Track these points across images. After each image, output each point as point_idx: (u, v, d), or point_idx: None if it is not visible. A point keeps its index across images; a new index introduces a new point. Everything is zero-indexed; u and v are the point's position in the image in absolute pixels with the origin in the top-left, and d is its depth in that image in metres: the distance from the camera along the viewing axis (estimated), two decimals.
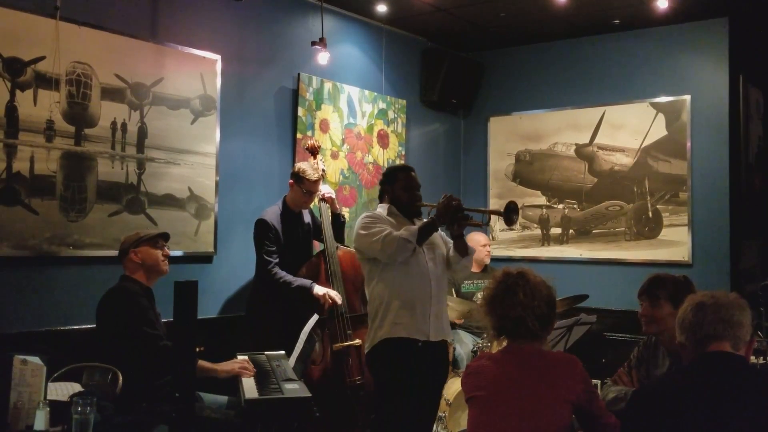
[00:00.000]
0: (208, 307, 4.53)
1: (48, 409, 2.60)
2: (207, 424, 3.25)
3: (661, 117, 5.80)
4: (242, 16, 4.83)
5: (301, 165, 4.52)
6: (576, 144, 6.17)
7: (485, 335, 4.69)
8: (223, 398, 3.64)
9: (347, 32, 5.60)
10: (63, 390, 3.00)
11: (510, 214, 3.59)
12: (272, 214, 4.48)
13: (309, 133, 5.17)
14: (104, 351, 3.34)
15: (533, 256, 6.29)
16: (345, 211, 5.10)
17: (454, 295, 5.31)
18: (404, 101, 6.07)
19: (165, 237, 3.63)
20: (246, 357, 3.64)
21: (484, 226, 3.79)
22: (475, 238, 5.60)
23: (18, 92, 3.68)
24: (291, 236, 4.52)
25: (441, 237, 3.87)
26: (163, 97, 4.32)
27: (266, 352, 3.80)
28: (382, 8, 5.47)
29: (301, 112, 5.13)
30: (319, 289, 4.36)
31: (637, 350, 3.16)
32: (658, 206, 5.80)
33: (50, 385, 2.94)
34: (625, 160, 5.94)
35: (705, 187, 5.60)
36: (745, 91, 5.74)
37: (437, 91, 6.23)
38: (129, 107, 4.15)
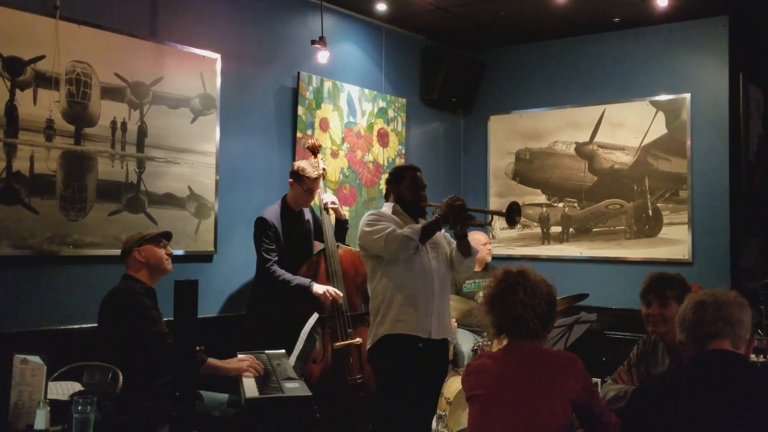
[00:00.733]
0: (209, 306, 4.54)
1: (48, 408, 2.60)
2: (208, 422, 3.25)
3: (661, 115, 5.79)
4: (242, 15, 4.82)
5: (300, 163, 4.53)
6: (576, 142, 6.17)
7: (486, 334, 4.69)
8: (223, 396, 3.64)
9: (347, 31, 5.60)
10: (63, 389, 3.00)
11: (512, 214, 3.63)
12: (272, 212, 4.48)
13: (309, 132, 5.17)
14: (106, 350, 3.34)
15: (533, 255, 6.29)
16: (345, 210, 5.10)
17: (454, 294, 5.31)
18: (404, 100, 6.07)
19: (168, 236, 3.63)
20: (251, 356, 3.64)
21: (486, 226, 3.82)
22: (476, 237, 5.59)
23: (18, 91, 3.68)
24: (291, 235, 4.52)
25: (445, 237, 3.90)
26: (163, 96, 4.32)
27: (267, 351, 3.80)
28: (381, 7, 5.47)
29: (301, 110, 5.13)
30: (318, 288, 4.36)
31: (636, 348, 3.16)
32: (658, 204, 5.80)
33: (50, 384, 2.94)
34: (625, 159, 5.94)
35: (705, 186, 5.60)
36: (745, 90, 5.73)
37: (437, 89, 6.23)
38: (129, 106, 4.15)
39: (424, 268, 3.70)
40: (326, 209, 4.65)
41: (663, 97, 5.78)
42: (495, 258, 5.86)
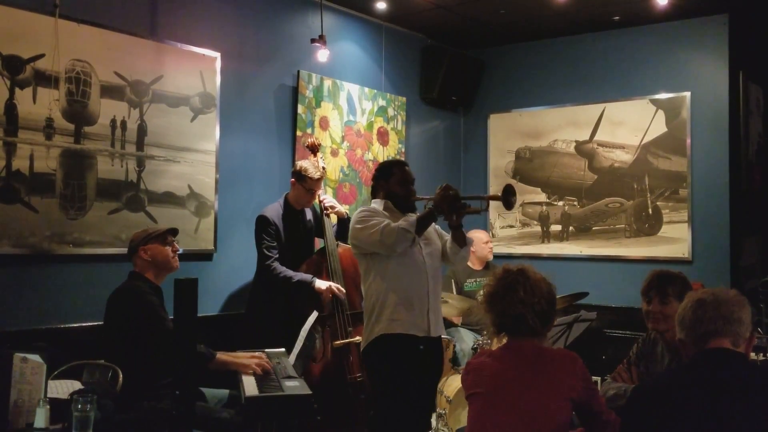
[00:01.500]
0: (209, 305, 4.54)
1: (48, 407, 2.60)
2: (208, 421, 3.25)
3: (661, 114, 5.79)
4: (242, 14, 4.82)
5: (302, 163, 4.52)
6: (576, 141, 6.17)
7: (485, 332, 4.69)
8: (223, 393, 3.64)
9: (347, 29, 5.59)
10: (63, 388, 3.00)
11: (508, 196, 3.53)
12: (273, 210, 4.48)
13: (309, 131, 5.17)
14: (110, 348, 3.34)
15: (533, 253, 6.29)
16: (345, 209, 5.09)
17: (455, 293, 5.31)
18: (404, 98, 6.07)
19: (173, 232, 3.62)
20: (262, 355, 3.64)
21: (483, 213, 3.75)
22: (477, 236, 5.60)
23: (17, 90, 3.68)
24: (292, 233, 4.52)
25: (436, 231, 3.85)
26: (163, 95, 4.32)
27: (266, 350, 3.80)
28: (381, 5, 5.47)
29: (300, 109, 5.13)
30: (321, 284, 4.36)
31: (636, 347, 3.16)
32: (658, 203, 5.80)
33: (50, 382, 2.94)
34: (625, 157, 5.94)
35: (705, 184, 5.60)
36: (745, 88, 5.73)
37: (437, 88, 6.23)
38: (128, 105, 4.15)
39: (417, 265, 3.67)
40: (326, 214, 4.64)
41: (663, 96, 5.78)
42: (495, 256, 5.86)
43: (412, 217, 3.65)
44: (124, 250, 3.69)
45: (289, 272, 4.37)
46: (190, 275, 2.83)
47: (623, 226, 5.96)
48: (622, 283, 5.67)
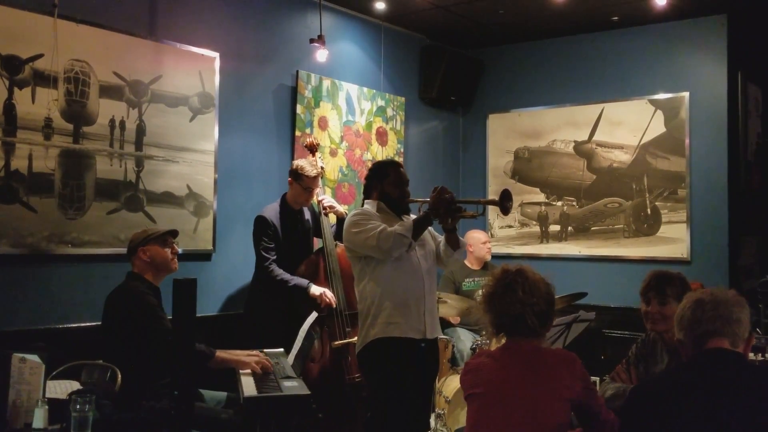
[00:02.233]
0: (207, 305, 4.53)
1: (47, 407, 2.59)
2: (206, 422, 3.25)
3: (659, 114, 5.80)
4: (241, 14, 4.82)
5: (298, 162, 4.52)
6: (575, 141, 6.18)
7: (484, 332, 4.69)
8: (222, 395, 3.64)
9: (346, 29, 5.59)
10: (62, 388, 3.00)
11: (504, 202, 3.52)
12: (271, 211, 4.48)
13: (308, 131, 5.17)
14: (109, 348, 3.34)
15: (532, 254, 6.29)
16: (344, 208, 5.09)
17: (453, 293, 5.31)
18: (403, 98, 6.07)
19: (173, 234, 3.61)
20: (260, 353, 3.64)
21: (479, 217, 3.74)
22: (475, 236, 5.61)
23: (16, 90, 3.68)
24: (291, 234, 4.52)
25: (429, 232, 3.81)
26: (162, 95, 4.32)
27: (265, 350, 3.80)
28: (380, 5, 5.47)
29: (299, 109, 5.13)
30: (315, 289, 4.36)
31: (635, 347, 3.16)
32: (656, 203, 5.80)
33: (49, 383, 2.93)
34: (623, 157, 5.94)
35: (704, 184, 5.60)
36: (743, 88, 5.73)
37: (436, 88, 6.23)
38: (127, 105, 4.15)
39: (413, 268, 3.63)
40: (325, 213, 4.64)
41: (662, 96, 5.78)
42: (494, 256, 5.86)
43: (408, 221, 3.63)
44: (122, 250, 3.68)
45: (286, 275, 4.37)
46: (188, 275, 2.82)
47: (622, 226, 5.96)
48: (621, 284, 5.67)
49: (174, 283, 2.67)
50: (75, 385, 3.06)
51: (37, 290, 3.78)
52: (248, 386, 3.15)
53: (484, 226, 6.36)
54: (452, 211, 3.55)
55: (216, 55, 4.61)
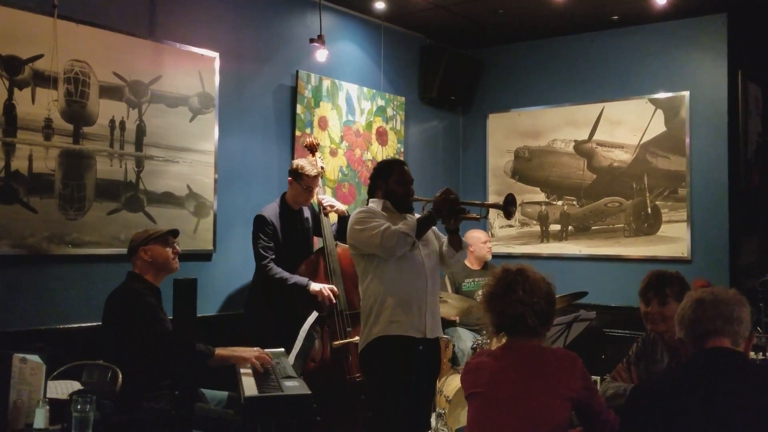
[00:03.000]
0: (208, 305, 4.54)
1: (47, 407, 2.60)
2: (207, 422, 3.25)
3: (660, 113, 5.80)
4: (240, 14, 4.82)
5: (299, 161, 4.53)
6: (575, 140, 6.17)
7: (485, 332, 4.69)
8: (223, 394, 3.64)
9: (346, 29, 5.59)
10: (62, 388, 3.00)
11: (508, 206, 3.54)
12: (271, 210, 4.48)
13: (308, 131, 5.16)
14: (109, 349, 3.33)
15: (532, 253, 6.29)
16: (345, 207, 5.09)
17: (451, 292, 5.31)
18: (403, 98, 6.07)
19: (174, 233, 3.61)
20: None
21: (482, 219, 3.75)
22: (476, 235, 5.61)
23: (16, 90, 3.67)
24: (290, 233, 4.52)
25: (433, 232, 3.82)
26: (162, 95, 4.32)
27: (266, 350, 3.80)
28: (380, 5, 5.47)
29: (299, 109, 5.13)
30: (315, 286, 4.36)
31: (635, 346, 3.16)
32: (657, 202, 5.80)
33: (50, 383, 2.93)
34: (624, 157, 5.94)
35: (704, 183, 5.61)
36: (744, 87, 5.73)
37: (436, 88, 6.23)
38: (127, 105, 4.15)
39: (416, 267, 3.65)
40: (326, 213, 4.64)
41: (662, 95, 5.78)
42: (494, 256, 5.86)
43: (412, 220, 3.64)
44: (123, 251, 3.68)
45: (285, 274, 4.36)
46: (189, 275, 2.83)
47: (622, 225, 5.96)
48: (622, 283, 5.67)
49: (174, 283, 2.68)
50: (76, 386, 3.06)
51: (38, 291, 3.78)
52: (249, 386, 3.15)
53: (485, 226, 6.36)
54: (455, 213, 3.57)
55: (216, 55, 4.61)
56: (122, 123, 4.12)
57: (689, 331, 2.20)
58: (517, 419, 2.35)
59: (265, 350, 3.77)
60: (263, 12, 4.97)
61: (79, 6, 3.92)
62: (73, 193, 3.90)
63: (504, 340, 2.59)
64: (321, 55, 4.97)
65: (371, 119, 5.75)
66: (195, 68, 4.50)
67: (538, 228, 6.36)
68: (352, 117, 5.58)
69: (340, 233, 4.61)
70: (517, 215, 6.42)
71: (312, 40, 4.95)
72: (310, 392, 3.08)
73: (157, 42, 4.31)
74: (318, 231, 4.67)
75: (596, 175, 6.08)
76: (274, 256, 4.38)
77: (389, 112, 5.93)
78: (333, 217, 4.70)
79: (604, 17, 5.76)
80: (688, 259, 5.62)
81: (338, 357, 4.38)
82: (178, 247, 3.60)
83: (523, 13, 5.72)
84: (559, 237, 6.25)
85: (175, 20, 4.43)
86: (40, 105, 3.76)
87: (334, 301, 4.39)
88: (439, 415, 4.54)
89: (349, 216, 4.63)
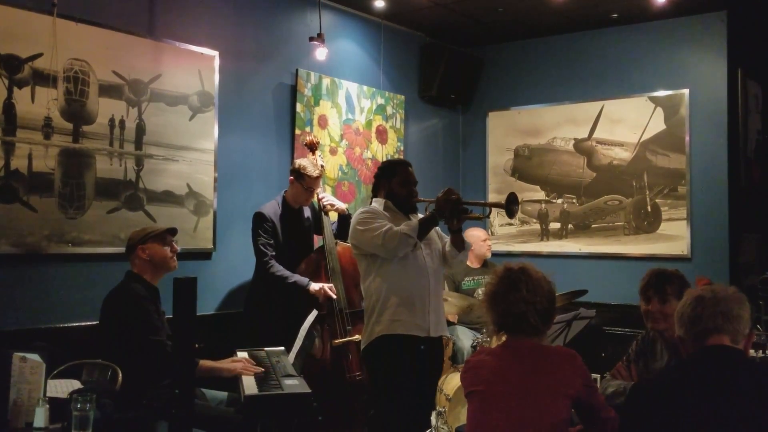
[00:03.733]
0: (208, 304, 4.54)
1: (47, 406, 2.60)
2: (207, 420, 3.25)
3: (659, 111, 5.79)
4: (240, 12, 4.82)
5: (301, 161, 4.52)
6: (575, 138, 6.17)
7: (485, 330, 4.69)
8: (223, 394, 3.64)
9: (345, 28, 5.59)
10: (62, 387, 3.00)
11: (511, 206, 3.55)
12: (270, 208, 4.47)
13: (307, 129, 5.16)
14: (106, 349, 3.33)
15: (532, 251, 6.29)
16: (345, 206, 5.09)
17: (450, 290, 5.31)
18: (403, 97, 6.07)
19: (172, 232, 3.60)
20: (246, 355, 3.64)
21: (484, 219, 3.76)
22: (475, 234, 5.60)
23: (15, 89, 3.67)
24: (291, 232, 4.51)
25: (436, 231, 3.84)
26: (161, 94, 4.31)
27: (266, 348, 3.80)
28: (380, 3, 5.46)
29: (299, 107, 5.12)
30: (315, 285, 4.36)
31: (635, 344, 3.16)
32: (657, 200, 5.80)
33: (50, 382, 2.94)
34: (623, 155, 5.94)
35: (704, 181, 5.60)
36: (743, 85, 5.73)
37: (436, 86, 6.23)
38: (127, 104, 4.15)
39: (419, 266, 3.66)
40: (325, 212, 4.64)
41: (661, 93, 5.78)
42: (494, 254, 5.87)
43: (414, 221, 3.65)
44: (122, 249, 3.68)
45: (286, 272, 4.36)
46: (188, 274, 2.82)
47: (622, 223, 5.96)
48: (621, 281, 5.67)
49: (174, 282, 2.67)
50: (76, 384, 3.06)
51: (38, 289, 3.78)
52: (249, 385, 3.16)
53: (485, 224, 6.35)
54: (458, 213, 3.58)
55: (215, 53, 4.61)
56: (122, 122, 4.12)
57: (689, 328, 2.20)
58: (517, 417, 2.35)
59: (265, 349, 3.78)
60: (263, 10, 4.97)
61: (79, 4, 3.92)
62: (72, 191, 3.90)
63: (504, 338, 2.59)
64: (321, 53, 4.97)
65: (371, 117, 5.75)
66: (195, 67, 4.50)
67: (537, 226, 6.36)
68: (351, 115, 5.58)
69: (340, 232, 4.61)
70: (518, 213, 6.41)
71: (312, 39, 4.95)
72: (310, 391, 3.08)
73: (157, 40, 4.31)
74: (318, 229, 4.66)
75: (596, 173, 6.07)
76: (274, 253, 4.38)
77: (389, 110, 5.92)
78: (333, 216, 4.70)
79: (603, 15, 5.75)
80: (688, 256, 5.62)
81: (338, 355, 4.38)
82: (176, 246, 3.60)
83: (522, 11, 5.71)
84: (559, 235, 6.25)
85: (174, 19, 4.42)
86: (40, 104, 3.76)
87: (334, 296, 4.39)
88: (439, 414, 4.53)
89: (349, 214, 4.64)
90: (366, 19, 5.75)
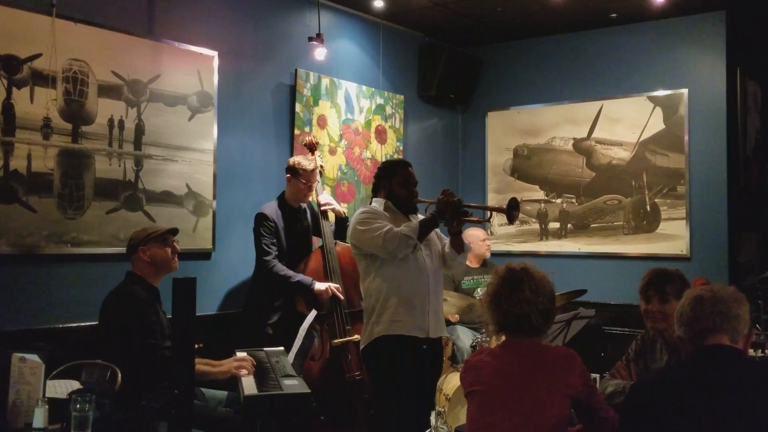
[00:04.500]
0: (207, 304, 4.53)
1: (47, 406, 2.59)
2: (206, 420, 3.25)
3: (658, 111, 5.79)
4: (239, 12, 4.82)
5: (294, 158, 4.56)
6: (574, 138, 6.17)
7: (484, 330, 4.69)
8: (222, 394, 3.63)
9: (344, 28, 5.59)
10: (62, 387, 3.00)
11: (511, 210, 3.56)
12: (271, 208, 4.49)
13: (307, 129, 5.16)
14: (105, 349, 3.33)
15: (532, 251, 6.29)
16: (343, 207, 5.09)
17: (452, 290, 5.31)
18: (402, 96, 6.06)
19: (173, 232, 3.59)
20: (245, 355, 3.64)
21: (484, 223, 3.77)
22: (474, 234, 5.60)
23: (14, 90, 3.67)
24: (290, 232, 4.52)
25: (436, 233, 3.84)
26: (160, 94, 4.31)
27: (265, 348, 3.80)
28: (379, 3, 5.46)
29: (298, 107, 5.12)
30: (319, 285, 4.36)
31: (635, 344, 3.16)
32: (656, 200, 5.80)
33: (49, 382, 2.93)
34: (622, 154, 5.94)
35: (703, 181, 5.61)
36: (742, 84, 5.73)
37: (435, 86, 6.23)
38: (126, 104, 4.14)
39: (418, 267, 3.66)
40: (324, 212, 4.64)
41: (660, 93, 5.78)
42: (494, 254, 5.87)
43: (414, 222, 3.65)
44: (122, 250, 3.68)
45: (289, 272, 4.36)
46: (188, 274, 2.82)
47: (621, 223, 5.96)
48: (621, 280, 5.67)
49: (174, 283, 2.67)
50: (75, 385, 3.06)
51: (37, 290, 3.78)
52: (248, 385, 3.16)
53: (483, 224, 6.35)
54: (458, 215, 3.59)
55: (214, 53, 4.61)
56: (121, 122, 4.12)
57: (688, 328, 2.20)
58: (516, 417, 2.35)
59: (265, 349, 3.78)
60: (262, 10, 4.97)
61: (78, 5, 3.92)
62: (72, 192, 3.90)
63: (503, 338, 2.59)
64: (320, 53, 4.97)
65: (370, 117, 5.75)
66: (194, 67, 4.50)
67: (537, 226, 6.36)
68: (351, 115, 5.57)
69: (338, 234, 4.62)
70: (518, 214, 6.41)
71: (311, 39, 4.95)
72: (309, 391, 3.08)
73: (156, 41, 4.31)
74: (317, 230, 4.66)
75: (595, 173, 6.08)
76: (277, 253, 4.38)
77: (388, 110, 5.92)
78: (331, 217, 4.70)
79: (602, 15, 5.75)
80: (687, 256, 5.62)
81: (338, 355, 4.38)
82: (177, 246, 3.59)
83: (521, 11, 5.71)
84: (558, 235, 6.26)
85: (173, 19, 4.42)
86: (39, 104, 3.75)
87: (341, 297, 4.39)
88: (438, 414, 4.53)
89: (346, 217, 4.65)
90: (365, 19, 5.75)
